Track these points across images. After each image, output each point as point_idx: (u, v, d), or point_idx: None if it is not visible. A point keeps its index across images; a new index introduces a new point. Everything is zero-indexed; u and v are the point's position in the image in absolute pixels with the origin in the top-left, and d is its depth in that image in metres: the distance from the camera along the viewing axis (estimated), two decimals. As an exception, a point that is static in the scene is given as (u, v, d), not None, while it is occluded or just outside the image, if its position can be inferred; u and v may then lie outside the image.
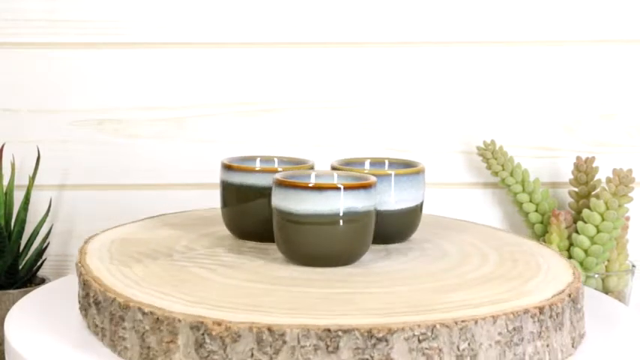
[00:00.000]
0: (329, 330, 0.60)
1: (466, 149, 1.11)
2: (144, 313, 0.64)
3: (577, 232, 1.03)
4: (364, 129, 1.11)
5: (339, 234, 0.73)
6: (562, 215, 1.03)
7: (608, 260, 1.03)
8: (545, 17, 1.10)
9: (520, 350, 0.64)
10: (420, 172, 0.83)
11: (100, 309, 0.68)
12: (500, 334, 0.63)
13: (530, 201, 1.07)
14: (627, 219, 1.03)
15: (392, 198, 0.80)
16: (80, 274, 0.73)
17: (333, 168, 0.84)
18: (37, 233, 1.05)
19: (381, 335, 0.60)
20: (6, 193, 1.03)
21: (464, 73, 1.11)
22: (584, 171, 1.06)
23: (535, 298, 0.67)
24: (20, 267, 1.03)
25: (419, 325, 0.60)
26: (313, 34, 1.10)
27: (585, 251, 1.02)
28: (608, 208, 1.01)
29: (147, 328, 0.64)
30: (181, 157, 1.11)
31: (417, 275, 0.73)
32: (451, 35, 1.10)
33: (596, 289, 0.98)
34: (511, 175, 1.07)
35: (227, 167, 0.82)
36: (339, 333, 0.60)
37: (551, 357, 0.66)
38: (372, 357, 0.60)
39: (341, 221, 0.72)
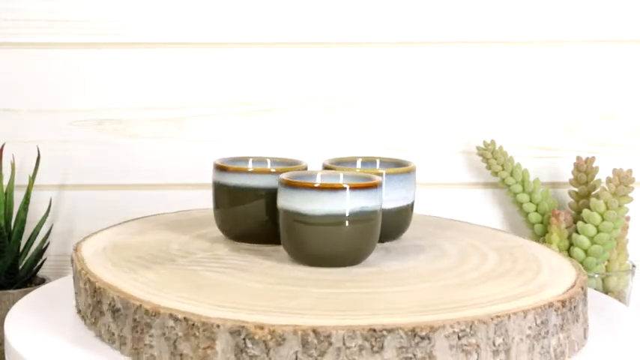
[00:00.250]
0: (374, 330, 0.60)
1: (466, 149, 1.11)
2: (176, 320, 0.62)
3: (577, 232, 1.03)
4: (364, 129, 1.11)
5: (349, 234, 0.73)
6: (562, 215, 1.03)
7: (608, 260, 1.03)
8: (545, 17, 1.10)
9: (546, 343, 0.65)
10: (411, 172, 0.83)
11: (119, 317, 0.66)
12: (529, 327, 0.64)
13: (530, 201, 1.07)
14: (627, 219, 1.03)
15: (383, 197, 0.80)
16: (88, 282, 0.70)
17: (325, 167, 0.83)
18: (37, 233, 1.05)
19: (424, 333, 0.60)
20: (6, 193, 1.03)
21: (464, 73, 1.11)
22: (584, 171, 1.06)
23: (552, 292, 0.69)
24: (20, 267, 1.03)
25: (458, 322, 0.61)
26: (313, 34, 1.10)
27: (585, 251, 1.02)
28: (608, 208, 1.01)
29: (179, 334, 0.62)
30: (181, 157, 1.11)
31: (427, 273, 0.73)
32: (451, 35, 1.10)
33: (596, 289, 0.98)
34: (511, 175, 1.07)
35: (222, 169, 0.81)
36: (384, 332, 0.60)
37: (570, 348, 0.68)
38: (414, 355, 0.60)
39: (351, 221, 0.72)
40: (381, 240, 0.80)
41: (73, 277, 0.76)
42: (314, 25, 1.10)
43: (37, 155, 1.05)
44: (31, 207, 1.04)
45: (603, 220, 1.01)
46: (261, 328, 0.60)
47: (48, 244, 1.06)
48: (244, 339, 0.60)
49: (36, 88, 1.10)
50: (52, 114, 1.10)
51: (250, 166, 0.84)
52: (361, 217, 0.73)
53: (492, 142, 1.06)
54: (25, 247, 1.04)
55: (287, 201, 0.73)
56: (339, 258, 0.74)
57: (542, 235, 1.06)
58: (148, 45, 1.10)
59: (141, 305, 0.64)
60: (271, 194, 0.79)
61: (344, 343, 0.60)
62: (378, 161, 0.87)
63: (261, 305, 0.64)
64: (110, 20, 1.09)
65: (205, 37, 1.10)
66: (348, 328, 0.60)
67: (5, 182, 1.04)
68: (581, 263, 1.02)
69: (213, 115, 1.11)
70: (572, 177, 1.07)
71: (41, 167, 1.06)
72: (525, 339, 0.64)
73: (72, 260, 0.77)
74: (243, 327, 0.60)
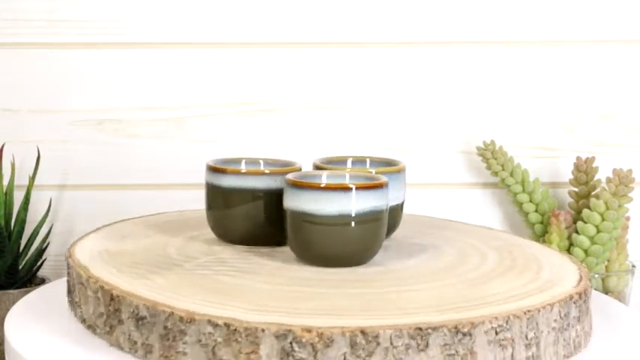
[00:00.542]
0: (420, 328, 0.60)
1: (466, 149, 1.11)
2: (216, 325, 0.61)
3: (577, 232, 1.03)
4: (364, 129, 1.11)
5: (359, 233, 0.73)
6: (562, 215, 1.03)
7: (608, 260, 1.03)
8: (545, 17, 1.10)
9: (567, 335, 0.67)
10: (400, 171, 0.82)
11: (144, 325, 0.64)
12: (555, 320, 0.66)
13: (530, 201, 1.07)
14: (627, 219, 1.03)
15: None
16: (100, 290, 0.68)
17: (316, 166, 0.83)
18: (37, 233, 1.05)
19: (465, 330, 0.61)
20: (6, 193, 1.03)
21: (464, 73, 1.11)
22: (584, 171, 1.06)
23: (563, 286, 0.70)
24: (20, 267, 1.03)
25: (496, 318, 0.62)
26: (313, 34, 1.10)
27: (585, 251, 1.02)
28: (608, 208, 1.01)
29: (219, 340, 0.61)
30: (181, 157, 1.11)
31: (433, 272, 0.74)
32: (451, 35, 1.10)
33: (596, 289, 0.98)
34: (511, 175, 1.07)
35: (218, 170, 0.80)
36: (429, 330, 0.60)
37: (585, 339, 0.70)
38: (457, 352, 0.61)
39: (361, 221, 0.72)
40: None
41: (72, 286, 0.74)
42: (314, 25, 1.10)
43: (37, 155, 1.05)
44: (31, 207, 1.04)
45: (603, 220, 1.01)
46: (309, 331, 0.59)
47: (48, 244, 1.06)
48: (291, 342, 0.59)
49: (36, 88, 1.10)
50: (52, 114, 1.10)
51: (243, 168, 0.83)
52: (370, 217, 0.73)
53: (492, 142, 1.07)
54: (25, 247, 1.04)
55: (295, 201, 0.73)
56: (347, 258, 0.74)
57: (542, 235, 1.06)
58: (148, 45, 1.10)
59: (172, 312, 0.62)
60: (269, 195, 0.78)
61: (391, 343, 0.60)
62: (368, 160, 0.87)
63: (288, 307, 0.63)
64: (110, 20, 1.09)
65: (205, 37, 1.10)
66: (395, 328, 0.60)
67: (5, 182, 1.04)
68: (581, 263, 1.02)
69: (213, 115, 1.11)
70: (572, 177, 1.07)
71: (41, 167, 1.06)
72: (551, 331, 0.66)
73: (69, 269, 0.75)
74: (289, 330, 0.59)
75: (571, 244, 1.03)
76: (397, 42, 1.10)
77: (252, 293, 0.67)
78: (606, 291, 1.01)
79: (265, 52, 1.10)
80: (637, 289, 1.07)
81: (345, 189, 0.72)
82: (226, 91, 1.10)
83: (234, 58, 1.10)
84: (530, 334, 0.64)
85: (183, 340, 0.62)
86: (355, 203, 0.72)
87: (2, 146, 1.03)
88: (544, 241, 1.04)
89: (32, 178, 1.04)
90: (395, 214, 0.83)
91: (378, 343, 0.59)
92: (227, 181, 0.79)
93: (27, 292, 0.87)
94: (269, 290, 0.68)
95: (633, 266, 1.04)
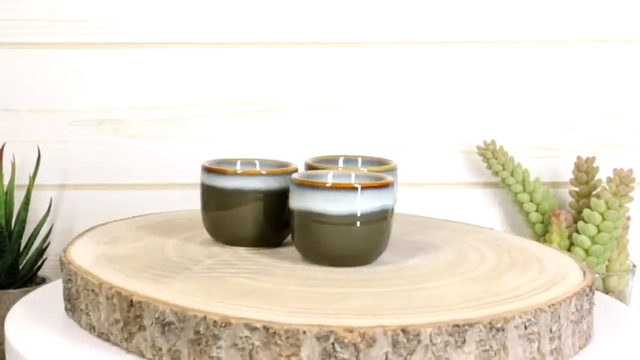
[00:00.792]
0: (457, 325, 0.61)
1: (466, 149, 1.11)
2: (253, 329, 0.60)
3: (577, 231, 1.03)
4: (364, 129, 1.11)
5: (368, 232, 0.73)
6: (562, 215, 1.03)
7: (609, 260, 1.03)
8: (545, 17, 1.10)
9: (582, 327, 0.69)
10: (392, 170, 0.83)
11: (171, 330, 0.63)
12: (573, 313, 0.68)
13: (531, 201, 1.07)
14: (628, 219, 1.03)
15: None
16: (116, 296, 0.67)
17: (309, 166, 0.83)
18: (38, 233, 1.05)
19: (499, 325, 0.62)
20: (6, 193, 1.03)
21: (464, 73, 1.11)
22: (584, 171, 1.06)
23: (572, 280, 0.72)
24: (20, 267, 1.03)
25: (525, 313, 0.63)
26: (313, 34, 1.10)
27: (586, 251, 1.02)
28: (608, 208, 1.01)
29: (257, 344, 0.60)
30: (181, 157, 1.11)
31: (439, 270, 0.74)
32: (451, 35, 1.10)
33: (596, 289, 0.98)
34: (511, 174, 1.07)
35: (215, 171, 0.79)
36: (466, 327, 0.61)
37: (593, 330, 0.73)
38: (491, 347, 0.62)
39: (370, 220, 0.73)
40: None
41: (76, 293, 0.72)
42: (314, 25, 1.10)
43: (37, 155, 1.05)
44: (31, 207, 1.04)
45: (604, 219, 1.01)
46: (351, 331, 0.59)
47: (48, 243, 1.06)
48: (333, 343, 0.59)
49: (36, 88, 1.10)
50: (52, 114, 1.10)
51: (239, 168, 0.82)
52: (379, 216, 0.73)
53: (493, 141, 1.06)
54: (25, 246, 1.04)
55: (302, 201, 0.73)
56: (355, 257, 0.74)
57: (542, 235, 1.06)
58: (148, 45, 1.10)
59: (205, 317, 0.61)
60: (267, 196, 0.78)
61: (431, 340, 0.60)
62: (359, 160, 0.87)
63: (322, 308, 0.63)
64: (110, 20, 1.09)
65: (205, 37, 1.10)
66: (434, 325, 0.60)
67: (5, 182, 1.04)
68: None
69: (213, 115, 1.11)
70: (572, 177, 1.07)
71: (41, 167, 1.06)
72: (570, 324, 0.67)
73: (70, 275, 0.73)
74: (331, 331, 0.59)
75: (572, 244, 1.03)
76: (397, 42, 1.10)
77: (280, 295, 0.66)
78: (607, 291, 1.01)
79: (265, 52, 1.10)
80: (638, 289, 1.07)
81: (355, 188, 0.72)
82: (226, 91, 1.10)
83: (234, 58, 1.10)
84: (554, 327, 0.65)
85: (217, 345, 0.61)
86: (365, 202, 0.72)
87: (2, 146, 1.03)
88: (544, 241, 1.04)
89: (32, 178, 1.04)
90: None
91: (419, 341, 0.60)
92: (223, 182, 0.78)
93: (27, 292, 0.87)
94: (296, 292, 0.67)
95: (634, 266, 1.04)
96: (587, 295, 0.70)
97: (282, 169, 0.79)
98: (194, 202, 1.04)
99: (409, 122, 1.11)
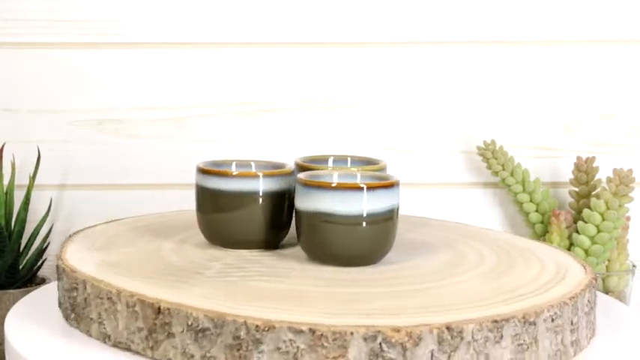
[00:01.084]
0: (496, 321, 0.62)
1: (466, 149, 1.11)
2: (299, 332, 0.60)
3: (577, 231, 1.03)
4: (364, 129, 1.11)
5: (375, 232, 0.73)
6: (562, 215, 1.03)
7: (609, 260, 1.03)
8: (545, 17, 1.10)
9: (590, 319, 0.72)
10: (381, 170, 0.83)
11: (205, 337, 0.62)
12: (585, 305, 0.70)
13: (531, 201, 1.07)
14: (628, 219, 1.03)
15: None
16: (140, 304, 0.65)
17: (299, 165, 0.83)
18: (38, 233, 1.05)
19: (532, 319, 0.64)
20: (6, 193, 1.03)
21: (464, 73, 1.11)
22: (584, 171, 1.06)
23: (575, 275, 0.74)
24: (20, 267, 1.03)
25: (552, 306, 0.65)
26: (313, 34, 1.10)
27: (586, 251, 1.02)
28: (608, 208, 1.01)
29: (302, 347, 0.60)
30: (181, 157, 1.11)
31: (442, 269, 0.75)
32: (451, 35, 1.10)
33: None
34: (511, 175, 1.07)
35: (212, 173, 0.78)
36: (503, 322, 0.62)
37: (597, 324, 0.75)
38: (524, 341, 0.63)
39: (377, 220, 0.73)
40: None
41: (84, 302, 0.70)
42: (314, 25, 1.10)
43: (37, 155, 1.05)
44: (31, 207, 1.04)
45: (604, 219, 1.01)
46: (398, 330, 0.60)
47: (48, 243, 1.06)
48: (380, 343, 0.60)
49: (36, 88, 1.10)
50: (52, 114, 1.10)
51: (234, 170, 0.81)
52: (386, 216, 0.73)
53: (493, 141, 1.06)
54: (25, 246, 1.04)
55: (310, 201, 0.73)
56: (363, 257, 0.74)
57: (542, 235, 1.06)
58: (148, 45, 1.10)
59: (245, 321, 0.61)
60: (266, 197, 0.78)
61: (473, 337, 0.61)
62: (349, 159, 0.88)
63: (361, 309, 0.63)
64: (110, 20, 1.09)
65: (205, 37, 1.10)
66: (476, 322, 0.61)
67: (5, 182, 1.04)
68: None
69: (213, 115, 1.11)
70: (572, 177, 1.07)
71: (41, 167, 1.06)
72: (584, 316, 0.69)
73: (76, 284, 0.70)
74: (378, 331, 0.59)
75: (571, 244, 1.03)
76: (397, 42, 1.10)
77: (305, 297, 0.66)
78: (607, 291, 1.01)
79: (265, 52, 1.10)
80: (637, 289, 1.07)
81: (362, 188, 0.73)
82: (226, 91, 1.10)
83: (234, 58, 1.10)
84: (575, 319, 0.68)
85: (258, 350, 0.61)
86: (372, 202, 0.72)
87: (2, 146, 1.03)
88: (544, 241, 1.04)
89: (32, 178, 1.04)
90: None
91: (462, 338, 0.61)
92: (223, 184, 0.77)
93: (27, 292, 0.87)
94: (319, 293, 0.67)
95: (634, 266, 1.04)
96: (594, 287, 0.72)
97: (279, 171, 0.79)
98: (193, 201, 1.05)
99: (409, 122, 1.11)
